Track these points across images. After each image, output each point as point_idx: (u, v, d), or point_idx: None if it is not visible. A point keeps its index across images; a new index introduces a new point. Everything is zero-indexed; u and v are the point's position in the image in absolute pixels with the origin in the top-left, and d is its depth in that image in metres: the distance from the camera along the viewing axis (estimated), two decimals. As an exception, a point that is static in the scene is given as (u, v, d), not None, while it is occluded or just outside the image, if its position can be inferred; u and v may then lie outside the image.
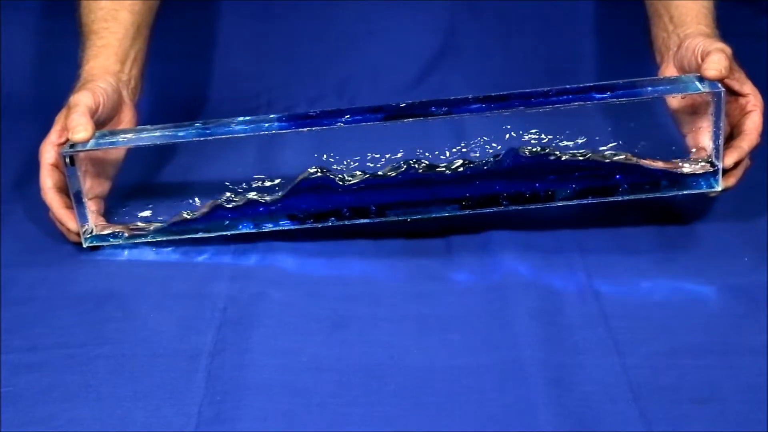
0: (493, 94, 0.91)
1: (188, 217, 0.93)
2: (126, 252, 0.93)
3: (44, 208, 0.93)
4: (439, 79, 1.27)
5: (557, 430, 0.70)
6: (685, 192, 0.91)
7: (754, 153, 0.92)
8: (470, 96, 0.92)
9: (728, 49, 0.89)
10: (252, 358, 0.78)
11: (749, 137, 0.90)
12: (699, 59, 0.90)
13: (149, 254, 0.93)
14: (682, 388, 0.75)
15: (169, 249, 0.94)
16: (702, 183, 0.91)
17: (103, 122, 0.93)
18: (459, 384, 0.76)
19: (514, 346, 0.79)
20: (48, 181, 0.92)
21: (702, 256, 0.93)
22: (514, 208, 0.92)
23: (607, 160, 0.90)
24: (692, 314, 0.84)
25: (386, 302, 0.86)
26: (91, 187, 0.93)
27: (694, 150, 0.92)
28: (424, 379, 0.76)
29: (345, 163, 0.94)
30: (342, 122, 0.90)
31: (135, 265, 0.92)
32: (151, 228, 0.94)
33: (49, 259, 0.92)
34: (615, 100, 0.89)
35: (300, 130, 0.90)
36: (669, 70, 0.95)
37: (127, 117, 0.97)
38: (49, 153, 0.92)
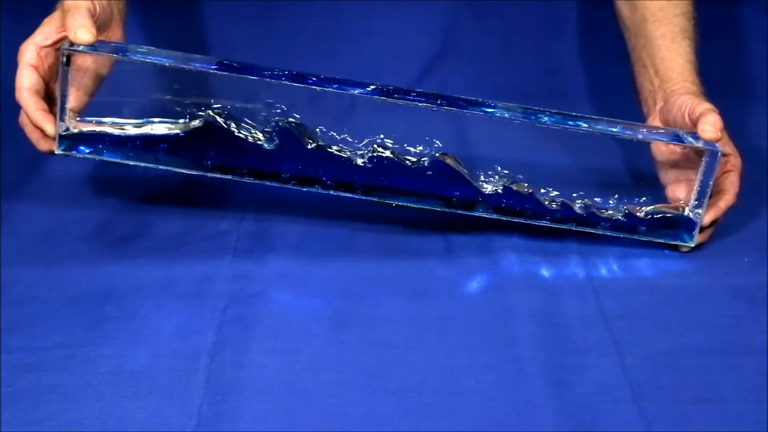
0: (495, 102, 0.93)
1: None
2: (124, 252, 0.93)
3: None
4: (439, 79, 1.27)
5: (557, 431, 0.71)
6: (659, 240, 0.93)
7: (749, 146, 0.92)
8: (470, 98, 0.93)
9: (716, 109, 0.91)
10: (252, 358, 0.78)
11: (726, 197, 0.93)
12: (686, 117, 0.92)
13: (149, 254, 0.93)
14: (682, 388, 0.75)
15: (169, 249, 0.94)
16: (677, 237, 0.93)
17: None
18: (459, 384, 0.76)
19: (514, 346, 0.79)
20: (25, 81, 0.88)
21: (702, 257, 0.93)
22: (497, 217, 0.93)
23: (604, 216, 0.93)
24: (692, 314, 0.84)
25: (386, 302, 0.86)
26: (70, 98, 0.89)
27: (672, 201, 0.94)
28: (424, 379, 0.76)
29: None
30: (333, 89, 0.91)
31: (135, 264, 0.91)
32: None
33: (49, 259, 0.92)
34: (621, 134, 0.91)
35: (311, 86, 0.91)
36: (655, 124, 0.97)
37: (116, 36, 0.95)
38: (30, 53, 0.88)
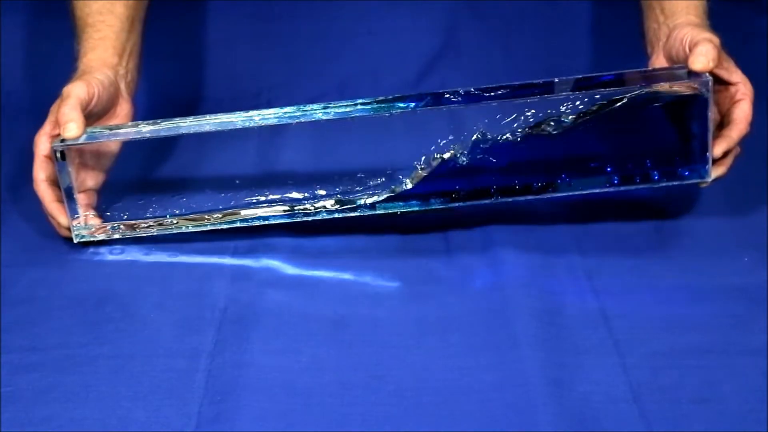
0: (482, 86, 0.92)
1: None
2: (124, 253, 0.93)
3: (40, 203, 0.93)
4: (439, 78, 1.27)
5: (557, 430, 0.71)
6: (675, 183, 0.91)
7: (749, 146, 0.92)
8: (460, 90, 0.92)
9: (716, 39, 0.89)
10: (252, 358, 0.78)
11: (738, 126, 0.90)
12: (686, 49, 0.90)
13: (148, 254, 0.93)
14: (682, 388, 0.75)
15: (169, 249, 0.94)
16: (693, 174, 0.91)
17: (98, 114, 0.93)
18: (459, 384, 0.76)
19: (514, 346, 0.79)
20: (41, 173, 0.91)
21: (702, 256, 0.93)
22: (504, 200, 0.92)
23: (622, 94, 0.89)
24: (692, 314, 0.84)
25: (386, 302, 0.86)
26: (84, 179, 0.92)
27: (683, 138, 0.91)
28: (424, 379, 0.76)
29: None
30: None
31: (135, 265, 0.92)
32: (146, 226, 0.94)
33: (49, 259, 0.92)
34: (604, 90, 0.89)
35: (287, 123, 0.91)
36: (659, 61, 0.95)
37: (123, 111, 0.97)
38: (43, 145, 0.91)
